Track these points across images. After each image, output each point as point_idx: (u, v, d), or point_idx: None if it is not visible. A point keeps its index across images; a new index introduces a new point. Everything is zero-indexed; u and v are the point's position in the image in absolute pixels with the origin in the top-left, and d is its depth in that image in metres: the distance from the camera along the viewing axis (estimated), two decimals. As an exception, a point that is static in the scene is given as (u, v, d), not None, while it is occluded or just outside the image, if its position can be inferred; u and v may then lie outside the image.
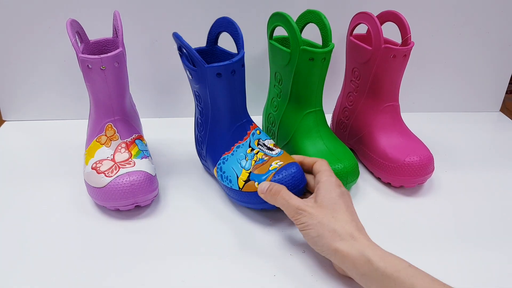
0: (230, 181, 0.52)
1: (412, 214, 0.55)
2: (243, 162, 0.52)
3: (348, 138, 0.68)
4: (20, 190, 0.57)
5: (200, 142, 0.58)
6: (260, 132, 0.55)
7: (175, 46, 0.52)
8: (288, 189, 0.47)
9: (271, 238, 0.50)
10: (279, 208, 0.47)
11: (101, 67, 0.49)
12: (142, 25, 0.69)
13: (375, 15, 0.59)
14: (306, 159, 0.52)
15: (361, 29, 0.64)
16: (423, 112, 0.83)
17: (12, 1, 0.65)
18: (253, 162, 0.51)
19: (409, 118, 0.65)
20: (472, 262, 0.48)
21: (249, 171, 0.50)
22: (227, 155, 0.53)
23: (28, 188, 0.57)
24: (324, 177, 0.47)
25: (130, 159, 0.52)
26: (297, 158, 0.53)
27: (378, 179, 0.62)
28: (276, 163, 0.50)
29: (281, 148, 0.54)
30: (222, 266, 0.46)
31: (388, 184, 0.61)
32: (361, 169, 0.64)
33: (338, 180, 0.47)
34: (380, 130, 0.62)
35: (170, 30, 0.70)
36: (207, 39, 0.56)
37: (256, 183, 0.49)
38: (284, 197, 0.45)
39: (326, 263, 0.46)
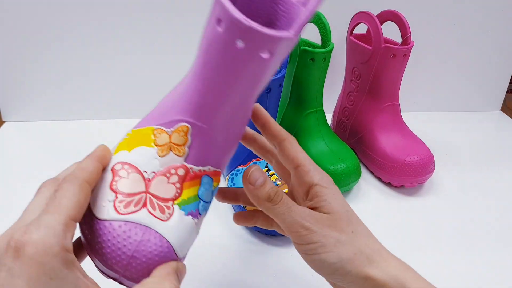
0: None
1: (413, 214, 0.55)
2: None
3: (349, 138, 0.68)
4: (20, 192, 0.57)
5: None
6: None
7: None
8: None
9: (271, 239, 0.50)
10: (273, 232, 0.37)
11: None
12: (145, 22, 0.69)
13: (375, 14, 0.59)
14: (272, 126, 0.34)
15: (361, 28, 0.64)
16: (424, 112, 0.83)
17: (12, 1, 0.65)
18: None
19: (409, 117, 0.65)
20: (474, 262, 0.48)
21: None
22: (242, 169, 0.51)
23: (27, 189, 0.57)
24: (318, 175, 0.32)
25: (171, 202, 0.29)
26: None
27: (379, 178, 0.62)
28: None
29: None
30: (222, 266, 0.46)
31: (388, 184, 0.61)
32: (362, 169, 0.63)
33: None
34: (380, 129, 0.61)
35: (170, 29, 0.70)
36: None
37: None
38: (286, 203, 0.31)
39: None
